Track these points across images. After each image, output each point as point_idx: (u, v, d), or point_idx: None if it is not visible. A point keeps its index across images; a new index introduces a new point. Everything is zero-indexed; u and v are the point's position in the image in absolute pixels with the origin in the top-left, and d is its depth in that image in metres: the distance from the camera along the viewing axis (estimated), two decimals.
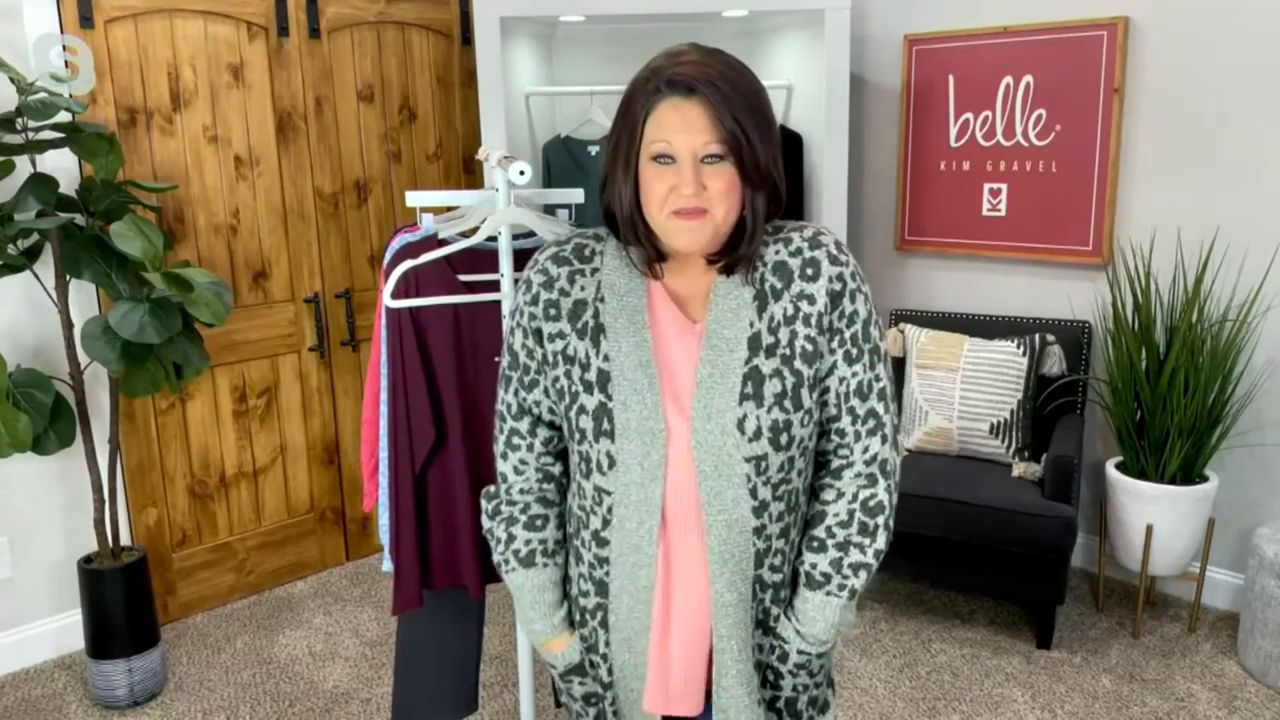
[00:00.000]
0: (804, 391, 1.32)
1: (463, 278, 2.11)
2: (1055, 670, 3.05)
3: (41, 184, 2.81)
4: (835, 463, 1.40)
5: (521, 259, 2.15)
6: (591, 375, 1.34)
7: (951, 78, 3.79)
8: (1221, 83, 3.21)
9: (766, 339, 1.32)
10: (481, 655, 2.40)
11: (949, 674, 3.04)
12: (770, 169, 1.28)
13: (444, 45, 4.02)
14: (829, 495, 1.39)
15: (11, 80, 2.71)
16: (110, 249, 2.84)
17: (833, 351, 1.34)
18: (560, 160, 3.98)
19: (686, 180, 1.24)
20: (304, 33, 3.59)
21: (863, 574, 1.38)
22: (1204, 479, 3.19)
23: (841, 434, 1.38)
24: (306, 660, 3.23)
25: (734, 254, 1.31)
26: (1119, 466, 3.32)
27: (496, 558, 1.47)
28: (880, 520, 1.38)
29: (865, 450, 1.38)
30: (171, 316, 2.76)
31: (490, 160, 2.07)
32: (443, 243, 2.10)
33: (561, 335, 1.36)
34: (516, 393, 1.43)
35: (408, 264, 2.01)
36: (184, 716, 2.94)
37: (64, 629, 3.30)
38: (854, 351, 1.35)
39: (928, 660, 3.12)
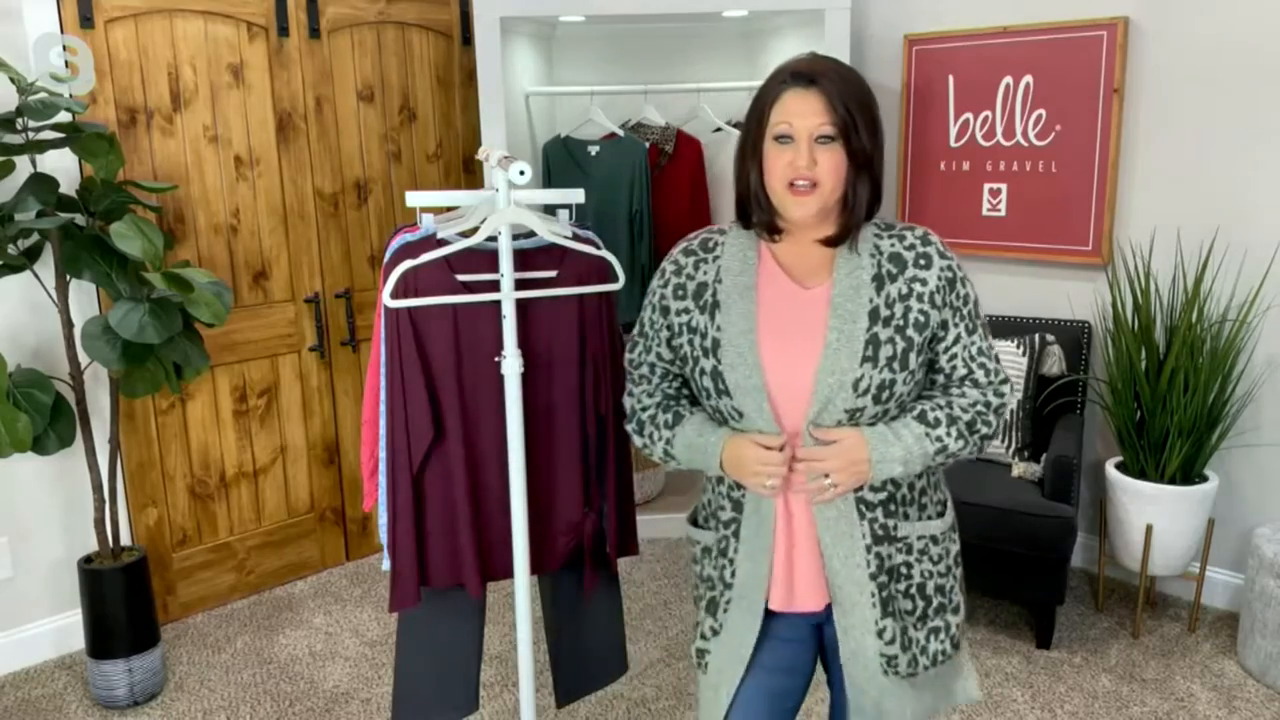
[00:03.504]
0: (912, 355, 1.58)
1: (462, 278, 2.11)
2: (1055, 670, 3.05)
3: (42, 184, 2.82)
4: (969, 382, 1.65)
5: (521, 259, 2.15)
6: (708, 343, 1.62)
7: (951, 78, 3.79)
8: (1221, 82, 3.22)
9: (884, 312, 1.57)
10: (482, 655, 2.40)
11: None
12: (874, 158, 1.55)
13: (444, 45, 4.02)
14: (957, 391, 1.65)
15: (11, 80, 2.71)
16: (110, 249, 2.85)
17: (956, 325, 1.62)
18: (560, 160, 3.98)
19: (802, 154, 1.51)
20: (304, 33, 3.59)
21: (959, 444, 1.62)
22: (1204, 479, 3.19)
23: (975, 382, 1.65)
24: (307, 660, 3.23)
25: (840, 228, 1.58)
26: (1119, 466, 3.32)
27: (658, 452, 1.73)
28: (986, 433, 1.65)
29: (998, 392, 1.65)
30: (171, 316, 2.76)
31: (490, 160, 2.07)
32: (442, 243, 2.10)
33: (687, 311, 1.66)
34: (640, 352, 1.75)
35: (407, 264, 2.01)
36: (184, 716, 2.94)
37: (64, 629, 3.30)
38: (970, 325, 1.63)
39: None
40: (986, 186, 3.76)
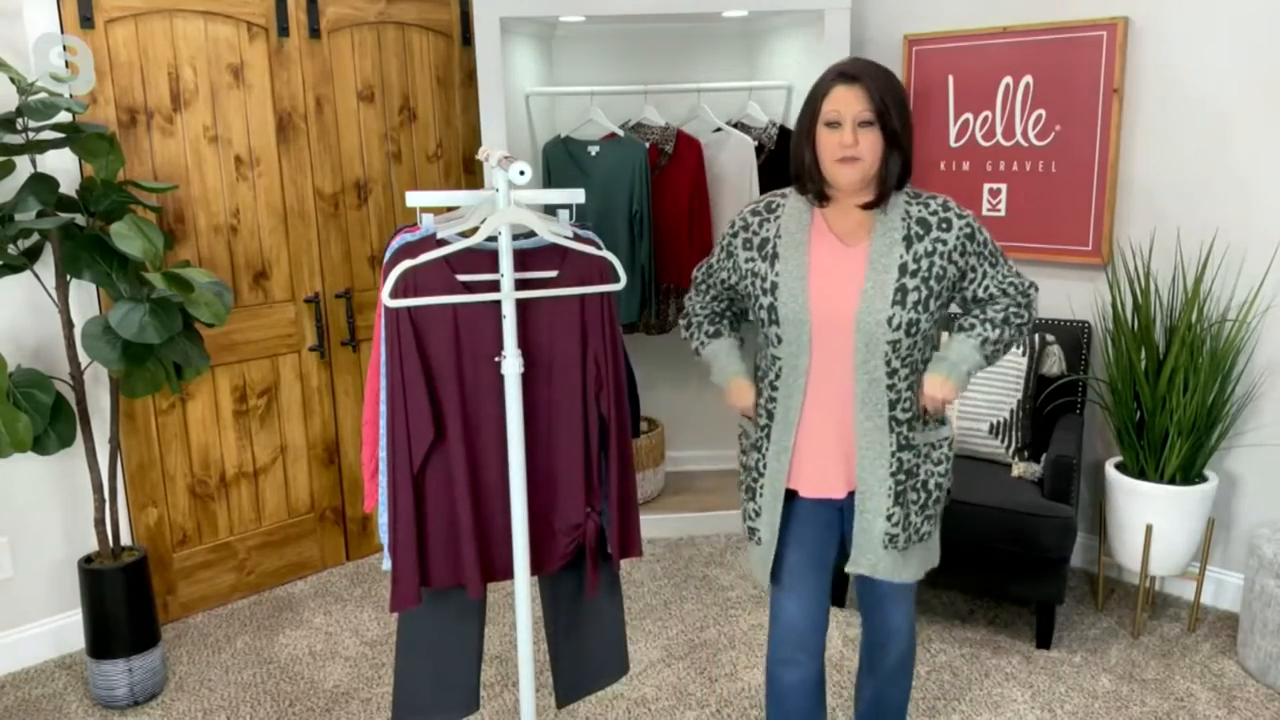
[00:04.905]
0: (931, 300, 2.02)
1: (461, 278, 2.11)
2: (1055, 670, 3.06)
3: (42, 184, 2.82)
4: (998, 299, 2.12)
5: (522, 260, 2.15)
6: (767, 285, 2.08)
7: (951, 78, 3.79)
8: (1220, 83, 3.22)
9: (911, 266, 2.01)
10: (482, 655, 2.40)
11: (949, 674, 3.04)
12: (904, 139, 1.98)
13: (444, 45, 4.02)
14: (987, 307, 2.12)
15: (12, 80, 2.71)
16: (110, 249, 2.85)
17: (981, 265, 2.07)
18: (560, 160, 3.98)
19: (847, 134, 1.95)
20: (304, 33, 3.59)
21: (997, 331, 2.11)
22: (1204, 479, 3.19)
23: (1005, 293, 2.11)
24: (307, 660, 3.23)
25: (876, 195, 2.02)
26: (1119, 466, 3.32)
27: (694, 345, 2.28)
28: (1020, 322, 2.12)
29: (1024, 292, 2.12)
30: (172, 316, 2.76)
31: (490, 160, 2.07)
32: (442, 243, 2.10)
33: (752, 259, 2.11)
34: (706, 274, 2.25)
35: (407, 263, 2.01)
36: (184, 716, 2.94)
37: (64, 629, 3.30)
38: (992, 260, 2.09)
39: (928, 660, 3.12)
40: (986, 186, 3.77)
